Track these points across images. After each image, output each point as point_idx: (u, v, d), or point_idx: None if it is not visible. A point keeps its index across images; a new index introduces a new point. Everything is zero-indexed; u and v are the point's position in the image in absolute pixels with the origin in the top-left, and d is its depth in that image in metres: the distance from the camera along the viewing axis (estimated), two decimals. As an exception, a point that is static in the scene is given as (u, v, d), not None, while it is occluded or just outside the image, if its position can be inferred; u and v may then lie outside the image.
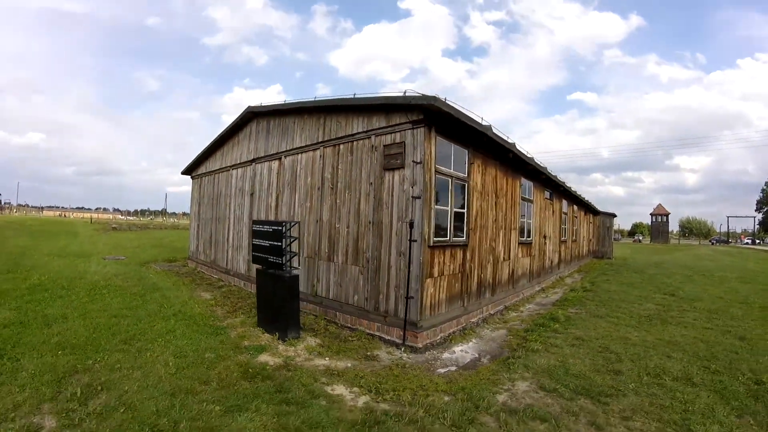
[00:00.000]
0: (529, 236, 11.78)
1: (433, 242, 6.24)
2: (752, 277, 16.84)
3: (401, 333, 6.12)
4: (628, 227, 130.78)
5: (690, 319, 8.57)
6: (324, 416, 3.75)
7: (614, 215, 34.18)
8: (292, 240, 6.34)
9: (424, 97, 5.79)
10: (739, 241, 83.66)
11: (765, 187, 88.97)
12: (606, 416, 4.06)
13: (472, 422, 3.77)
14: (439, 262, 6.50)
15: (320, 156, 8.05)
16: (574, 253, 20.76)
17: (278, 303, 6.27)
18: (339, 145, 7.59)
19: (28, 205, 78.49)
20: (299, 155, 8.72)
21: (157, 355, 5.14)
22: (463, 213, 7.30)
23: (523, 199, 11.15)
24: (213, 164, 13.55)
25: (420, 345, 6.00)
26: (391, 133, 6.51)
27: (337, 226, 7.52)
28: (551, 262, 15.07)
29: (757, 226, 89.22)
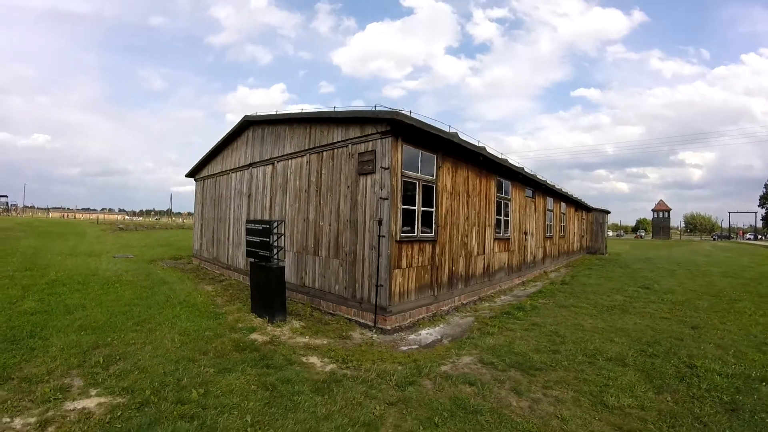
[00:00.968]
0: (506, 232, 12.65)
1: (400, 237, 7.18)
2: (737, 272, 17.25)
3: (373, 317, 7.08)
4: (632, 223, 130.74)
5: (652, 309, 9.07)
6: (295, 376, 4.71)
7: (608, 212, 34.88)
8: (278, 236, 7.32)
9: (389, 111, 6.74)
10: (738, 236, 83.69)
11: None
12: (529, 385, 4.76)
13: (413, 383, 4.67)
14: (407, 255, 7.44)
15: (307, 162, 9.03)
16: (562, 248, 21.53)
17: (267, 291, 7.27)
18: (323, 152, 8.56)
19: (34, 207, 79.70)
20: (289, 161, 9.70)
21: (165, 333, 6.14)
22: (432, 212, 8.22)
23: (500, 197, 12.02)
24: (214, 168, 14.58)
25: (389, 327, 6.95)
26: (364, 142, 7.47)
27: (321, 224, 8.50)
28: (534, 257, 15.92)
29: (760, 222, 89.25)
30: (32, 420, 3.59)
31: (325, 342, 6.31)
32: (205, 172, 15.56)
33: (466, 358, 5.67)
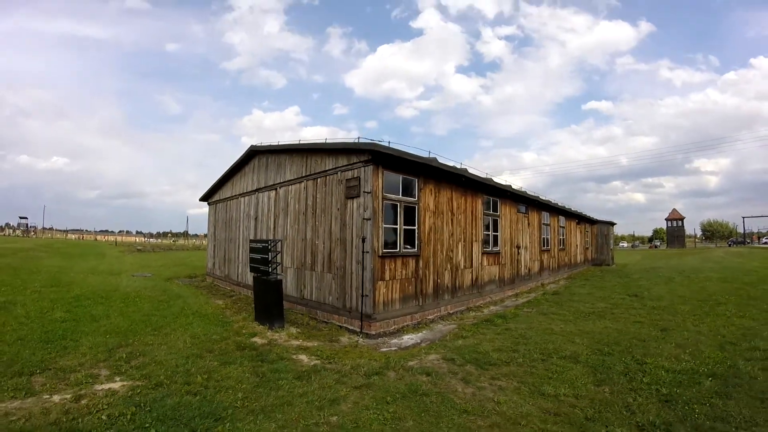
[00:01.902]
0: (496, 247, 13.49)
1: (383, 253, 8.15)
2: (737, 277, 17.28)
3: (359, 323, 8.02)
4: (650, 233, 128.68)
5: (629, 315, 9.44)
6: (283, 368, 5.66)
7: (613, 223, 35.07)
8: (276, 254, 8.36)
9: (369, 143, 7.82)
10: (753, 241, 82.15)
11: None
12: (479, 376, 5.41)
13: (379, 374, 5.52)
14: (390, 269, 8.39)
15: (304, 187, 10.14)
16: (562, 261, 22.07)
17: (267, 301, 8.28)
18: (317, 178, 9.66)
19: (53, 228, 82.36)
20: (290, 186, 10.83)
21: (178, 337, 7.19)
22: (414, 229, 9.18)
23: (488, 214, 12.92)
24: (225, 192, 15.85)
25: (373, 332, 7.86)
26: (350, 169, 8.52)
27: (316, 242, 9.54)
28: (529, 269, 16.63)
29: None
30: (68, 396, 4.59)
31: (315, 344, 7.25)
32: (217, 197, 16.86)
33: (432, 355, 6.49)
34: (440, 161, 9.56)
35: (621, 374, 5.43)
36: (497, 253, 13.51)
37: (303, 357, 6.39)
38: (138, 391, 4.73)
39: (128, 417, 4.04)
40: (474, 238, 11.86)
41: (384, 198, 8.28)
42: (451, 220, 10.67)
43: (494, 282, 13.18)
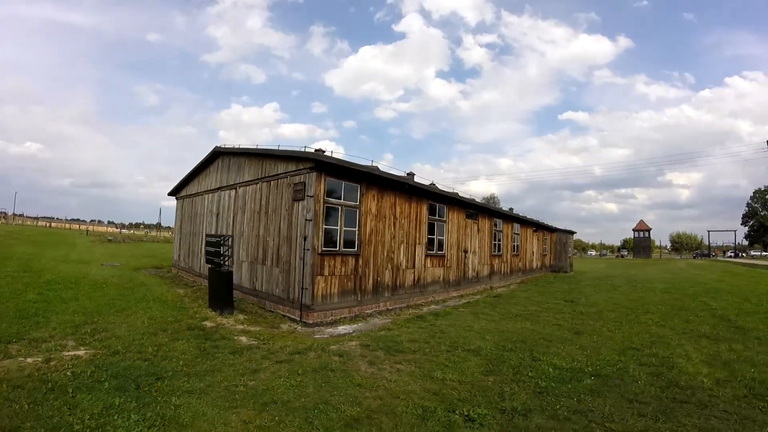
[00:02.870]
0: (441, 250, 14.74)
1: (322, 251, 9.33)
2: (683, 288, 18.15)
3: (299, 313, 9.19)
4: (619, 243, 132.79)
5: (553, 318, 10.06)
6: (223, 345, 6.81)
7: (572, 232, 36.64)
8: (228, 248, 9.47)
9: (313, 153, 9.03)
10: (717, 255, 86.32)
11: (750, 202, 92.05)
12: (384, 359, 6.18)
13: (300, 353, 6.55)
14: (329, 265, 9.57)
15: (260, 188, 11.26)
16: (515, 266, 23.27)
17: (219, 290, 9.39)
18: (271, 181, 10.80)
19: (24, 215, 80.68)
20: (248, 187, 11.94)
21: (138, 318, 8.28)
22: (355, 231, 10.37)
23: (433, 219, 14.13)
24: (192, 189, 16.82)
25: (311, 321, 9.03)
26: (297, 174, 9.69)
27: (267, 239, 10.67)
28: (477, 273, 17.87)
29: (743, 240, 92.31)
30: (40, 359, 5.64)
31: (257, 329, 8.38)
32: (184, 192, 17.82)
33: (353, 342, 7.48)
34: (382, 170, 10.81)
35: (511, 367, 5.99)
36: (442, 256, 14.73)
37: (243, 338, 7.52)
38: (98, 356, 5.83)
39: (88, 374, 5.14)
40: (417, 241, 13.08)
41: (326, 202, 9.46)
42: (394, 223, 11.88)
43: (438, 283, 14.37)
